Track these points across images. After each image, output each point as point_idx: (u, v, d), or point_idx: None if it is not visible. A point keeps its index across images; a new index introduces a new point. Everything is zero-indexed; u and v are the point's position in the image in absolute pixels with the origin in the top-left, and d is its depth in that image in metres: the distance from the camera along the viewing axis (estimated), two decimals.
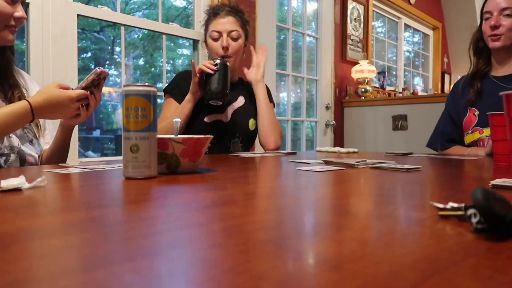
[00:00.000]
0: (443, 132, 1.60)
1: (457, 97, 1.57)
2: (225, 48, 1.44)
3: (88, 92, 0.98)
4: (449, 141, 1.59)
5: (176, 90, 1.46)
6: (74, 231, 0.35)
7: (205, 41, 1.52)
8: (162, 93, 1.56)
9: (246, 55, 1.59)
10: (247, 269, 0.25)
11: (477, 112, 1.49)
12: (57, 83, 0.94)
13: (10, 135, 1.00)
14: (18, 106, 0.90)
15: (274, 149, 1.51)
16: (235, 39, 1.46)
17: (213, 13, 1.48)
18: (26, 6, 1.74)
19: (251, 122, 1.54)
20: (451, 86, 1.72)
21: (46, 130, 1.17)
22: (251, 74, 1.55)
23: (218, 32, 1.44)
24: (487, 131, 1.44)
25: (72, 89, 0.97)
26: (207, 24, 1.50)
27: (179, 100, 1.42)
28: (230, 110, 1.50)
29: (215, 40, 1.45)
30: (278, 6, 3.22)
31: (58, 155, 1.10)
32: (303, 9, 3.52)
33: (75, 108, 0.96)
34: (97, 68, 0.96)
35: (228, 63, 1.40)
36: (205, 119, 1.44)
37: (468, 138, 1.50)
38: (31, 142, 1.06)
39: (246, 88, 1.58)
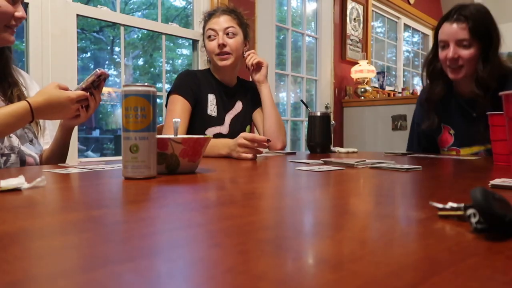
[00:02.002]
0: (420, 145, 1.55)
1: (426, 118, 1.48)
2: (221, 45, 1.41)
3: (88, 93, 0.98)
4: (424, 150, 1.54)
5: (186, 89, 1.39)
6: (74, 231, 0.35)
7: (204, 46, 1.50)
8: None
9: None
10: (247, 269, 0.25)
11: (452, 131, 1.43)
12: (57, 84, 0.94)
13: (10, 135, 1.00)
14: (17, 106, 0.90)
15: (281, 149, 1.50)
16: (232, 36, 1.43)
17: (208, 14, 1.47)
18: (25, 6, 1.74)
19: (247, 129, 1.52)
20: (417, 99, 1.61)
21: (46, 130, 1.17)
22: (255, 74, 1.52)
23: (213, 30, 1.42)
24: (463, 151, 1.40)
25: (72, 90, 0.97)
26: (204, 27, 1.48)
27: (189, 100, 1.38)
28: (228, 118, 1.49)
29: (211, 39, 1.43)
30: (277, 6, 3.22)
31: (58, 155, 1.10)
32: (302, 9, 3.52)
33: (74, 109, 0.97)
34: (97, 70, 0.96)
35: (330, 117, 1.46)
36: (206, 132, 1.43)
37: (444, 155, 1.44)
38: (31, 142, 1.06)
39: (244, 91, 1.56)
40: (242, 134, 1.12)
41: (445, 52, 1.32)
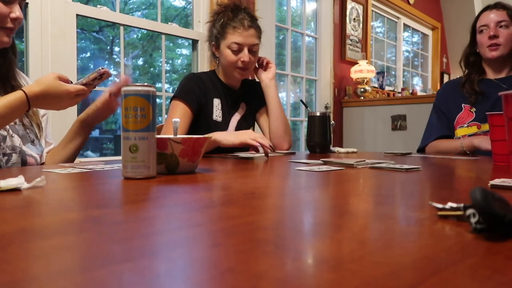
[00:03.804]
0: (438, 134, 1.64)
1: (449, 97, 1.63)
2: (245, 63, 1.39)
3: (87, 88, 0.97)
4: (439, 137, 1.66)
5: (189, 95, 1.37)
6: (73, 231, 0.35)
7: (214, 44, 1.45)
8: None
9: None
10: (246, 269, 0.25)
11: (473, 109, 1.54)
12: (57, 75, 0.92)
13: (12, 135, 1.00)
14: (13, 97, 0.88)
15: (287, 149, 1.50)
16: (254, 53, 1.42)
17: (233, 20, 1.39)
18: (25, 6, 1.74)
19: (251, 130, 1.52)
20: (437, 92, 1.80)
21: (46, 133, 1.17)
22: (262, 73, 1.51)
23: (239, 44, 1.38)
24: (484, 127, 1.50)
25: (71, 82, 0.96)
26: (223, 29, 1.40)
27: (192, 106, 1.36)
28: (234, 122, 1.47)
29: (234, 52, 1.39)
30: (277, 6, 3.22)
31: (71, 158, 1.13)
32: (302, 9, 3.52)
33: (71, 103, 0.96)
34: (101, 68, 0.95)
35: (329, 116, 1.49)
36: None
37: (462, 131, 1.55)
38: (32, 142, 1.06)
39: (248, 91, 1.54)
40: (262, 136, 1.21)
41: (485, 33, 1.53)
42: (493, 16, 1.52)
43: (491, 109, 1.48)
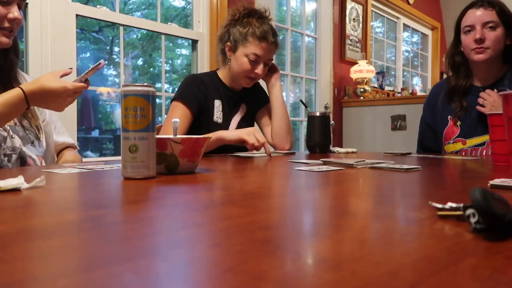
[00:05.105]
0: (422, 143, 1.63)
1: (436, 107, 1.56)
2: (258, 75, 1.42)
3: (86, 84, 0.96)
4: (426, 150, 1.61)
5: (189, 97, 1.37)
6: (73, 231, 0.35)
7: (231, 45, 1.41)
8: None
9: None
10: (246, 269, 0.25)
11: (459, 123, 1.47)
12: (55, 73, 0.92)
13: (13, 136, 1.00)
14: (11, 95, 0.88)
15: (288, 149, 1.50)
16: (267, 66, 1.44)
17: (258, 30, 1.37)
18: (25, 6, 1.74)
19: None
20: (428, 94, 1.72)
21: (57, 126, 1.17)
22: (267, 74, 1.52)
23: (258, 56, 1.38)
24: (470, 142, 1.44)
25: (71, 68, 0.95)
26: (246, 37, 1.38)
27: (192, 109, 1.35)
28: (234, 123, 1.47)
29: (251, 62, 1.38)
30: (277, 6, 3.21)
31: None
32: (302, 9, 3.52)
33: (71, 100, 0.94)
34: (101, 61, 0.94)
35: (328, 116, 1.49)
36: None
37: (449, 148, 1.50)
38: (32, 143, 1.06)
39: (249, 92, 1.53)
40: (263, 139, 1.23)
41: (471, 35, 1.38)
42: (480, 15, 1.36)
43: (477, 123, 1.41)
